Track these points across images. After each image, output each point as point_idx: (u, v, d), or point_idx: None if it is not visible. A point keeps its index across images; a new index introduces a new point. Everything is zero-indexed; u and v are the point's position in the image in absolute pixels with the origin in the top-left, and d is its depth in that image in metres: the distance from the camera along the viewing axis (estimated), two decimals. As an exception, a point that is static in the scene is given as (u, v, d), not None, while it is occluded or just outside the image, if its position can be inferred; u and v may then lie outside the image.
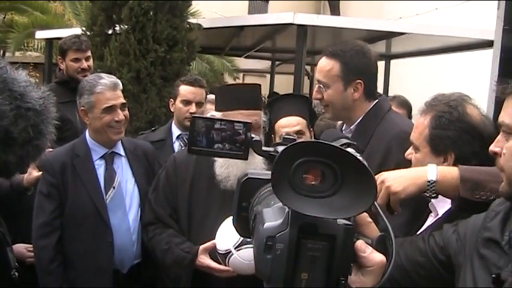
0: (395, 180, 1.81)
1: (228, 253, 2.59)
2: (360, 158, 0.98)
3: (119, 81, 3.14)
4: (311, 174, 0.98)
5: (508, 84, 1.49)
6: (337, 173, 0.97)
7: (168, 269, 2.89)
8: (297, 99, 3.64)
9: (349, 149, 1.44)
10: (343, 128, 2.85)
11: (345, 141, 1.45)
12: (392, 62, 11.27)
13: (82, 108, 3.09)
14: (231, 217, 2.81)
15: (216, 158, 2.77)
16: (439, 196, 1.87)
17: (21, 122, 1.67)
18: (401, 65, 11.72)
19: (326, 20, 7.37)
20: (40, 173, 3.17)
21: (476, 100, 2.12)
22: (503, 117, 1.47)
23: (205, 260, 2.73)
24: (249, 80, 22.63)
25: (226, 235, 2.61)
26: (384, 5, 15.28)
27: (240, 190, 1.23)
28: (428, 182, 1.82)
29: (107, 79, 3.07)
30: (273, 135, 3.42)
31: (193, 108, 3.84)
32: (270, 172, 1.17)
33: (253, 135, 1.28)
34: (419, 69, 12.36)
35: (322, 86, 2.66)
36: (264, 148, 1.26)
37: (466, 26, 8.82)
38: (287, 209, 1.00)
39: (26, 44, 16.71)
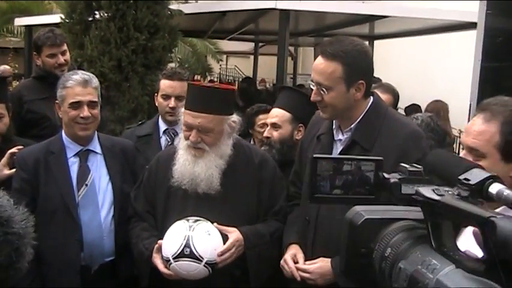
0: None
1: (167, 260, 2.60)
2: None
3: (94, 79, 3.10)
4: None
5: None
6: None
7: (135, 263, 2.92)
8: (292, 93, 3.60)
9: None
10: (344, 129, 2.68)
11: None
12: (376, 42, 11.28)
13: (56, 101, 3.10)
14: (181, 220, 2.76)
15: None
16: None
17: (6, 247, 1.62)
18: (385, 45, 11.73)
19: (309, 4, 7.31)
20: (12, 171, 3.16)
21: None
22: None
23: (156, 259, 2.71)
24: (233, 61, 22.55)
25: (170, 241, 2.61)
26: (367, -16, 15.22)
27: (356, 234, 1.05)
28: None
29: (80, 75, 3.06)
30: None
31: (172, 102, 3.67)
32: (386, 208, 1.04)
33: (386, 175, 1.08)
34: (403, 50, 12.38)
35: (323, 88, 2.52)
36: (403, 191, 1.05)
37: (448, 7, 8.83)
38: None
39: (5, 30, 16.47)
